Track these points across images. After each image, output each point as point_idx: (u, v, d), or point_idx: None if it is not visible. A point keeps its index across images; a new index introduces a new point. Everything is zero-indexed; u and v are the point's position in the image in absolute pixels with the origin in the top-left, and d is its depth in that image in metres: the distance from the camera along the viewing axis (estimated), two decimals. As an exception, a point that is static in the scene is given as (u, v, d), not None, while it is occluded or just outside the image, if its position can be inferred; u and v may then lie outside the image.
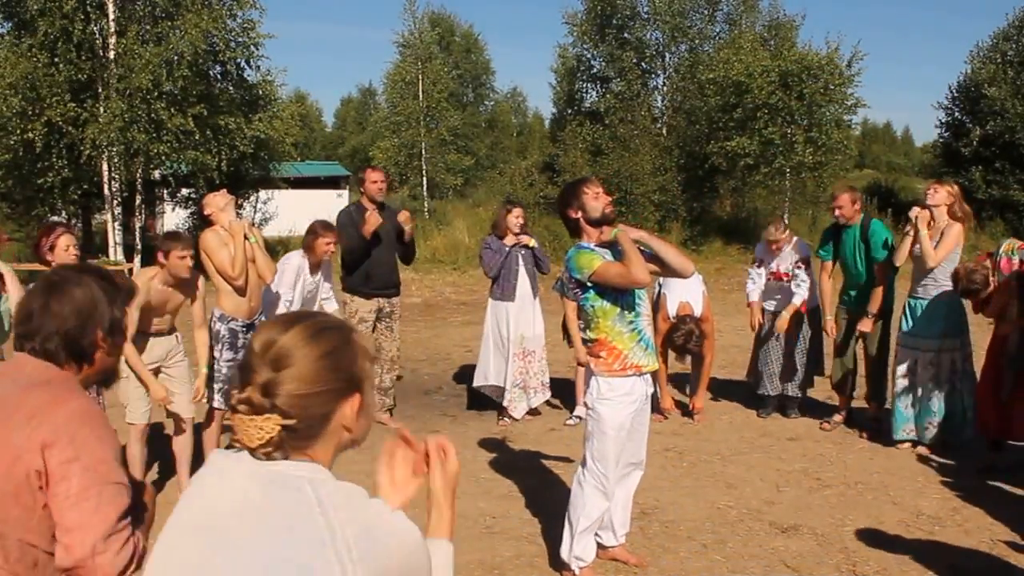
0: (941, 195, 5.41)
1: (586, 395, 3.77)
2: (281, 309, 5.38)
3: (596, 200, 3.65)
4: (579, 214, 3.66)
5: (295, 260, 5.60)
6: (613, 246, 3.64)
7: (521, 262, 6.16)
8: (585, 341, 3.95)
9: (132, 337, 4.16)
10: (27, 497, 1.60)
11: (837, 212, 5.90)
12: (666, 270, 3.70)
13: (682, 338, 5.72)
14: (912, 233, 5.41)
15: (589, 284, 3.56)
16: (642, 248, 3.57)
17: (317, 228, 5.61)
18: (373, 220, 5.82)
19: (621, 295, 3.59)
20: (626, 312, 3.61)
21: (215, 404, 5.03)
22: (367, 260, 5.94)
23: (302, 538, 1.10)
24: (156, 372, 4.67)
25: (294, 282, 5.52)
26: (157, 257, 4.57)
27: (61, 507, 1.58)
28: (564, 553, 3.79)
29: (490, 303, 6.33)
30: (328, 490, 1.14)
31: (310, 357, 1.19)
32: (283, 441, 1.17)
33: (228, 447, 1.26)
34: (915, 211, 5.48)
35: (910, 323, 5.55)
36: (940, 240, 5.33)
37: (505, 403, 6.27)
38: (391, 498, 1.33)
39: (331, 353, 1.21)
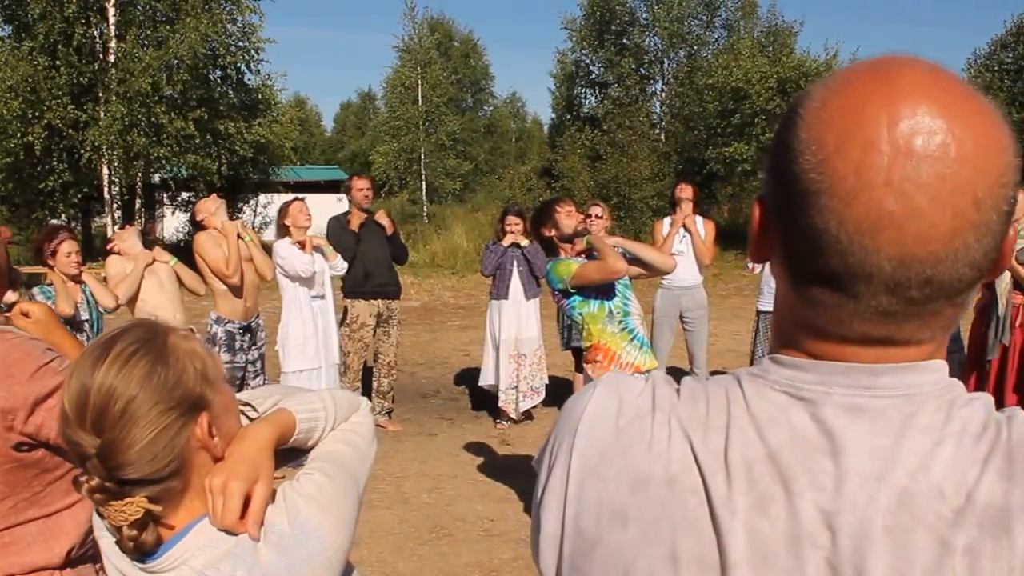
0: None
1: None
2: (316, 282, 5.56)
3: (568, 218, 3.77)
4: (552, 232, 3.78)
5: (283, 244, 5.56)
6: (589, 254, 3.72)
7: (515, 263, 6.24)
8: (582, 350, 3.98)
9: None
10: None
11: None
12: (649, 269, 3.76)
13: None
14: None
15: (572, 290, 3.62)
16: (624, 254, 3.63)
17: (283, 205, 5.76)
18: (357, 214, 6.08)
19: (606, 296, 3.63)
20: (615, 312, 3.64)
21: None
22: (362, 259, 6.03)
23: None
24: None
25: (300, 254, 5.49)
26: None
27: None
28: None
29: (489, 304, 6.48)
30: (227, 572, 1.06)
31: (131, 399, 1.03)
32: (148, 518, 1.06)
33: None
34: None
35: None
36: None
37: (500, 403, 6.35)
38: (249, 518, 1.10)
39: (150, 378, 1.04)
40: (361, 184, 6.16)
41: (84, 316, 4.64)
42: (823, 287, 0.64)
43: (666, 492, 0.66)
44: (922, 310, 0.62)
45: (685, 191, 6.30)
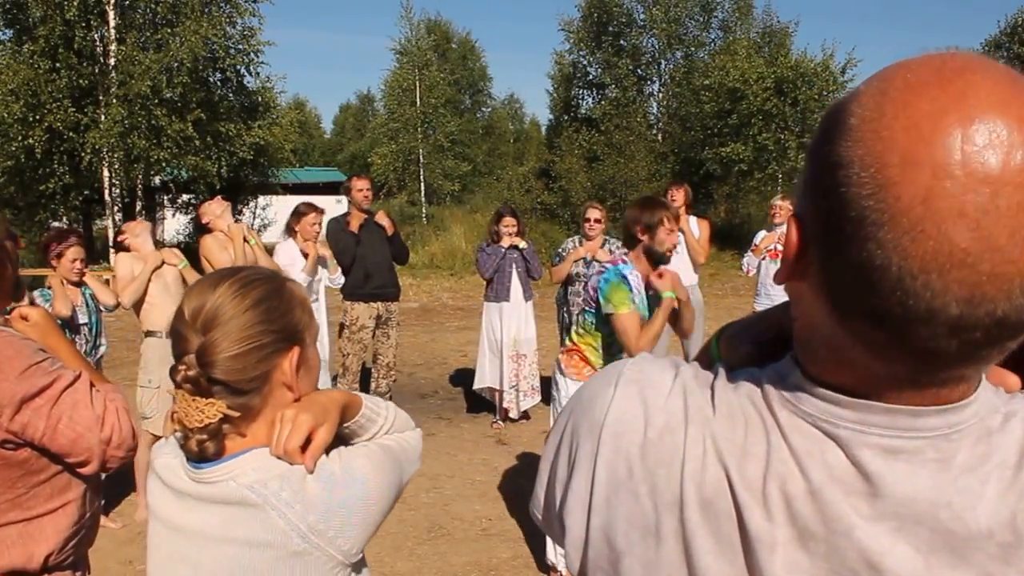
0: None
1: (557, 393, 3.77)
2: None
3: (668, 236, 3.43)
4: (645, 237, 3.43)
5: (288, 247, 5.63)
6: (652, 294, 3.45)
7: (514, 265, 6.30)
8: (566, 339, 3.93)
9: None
10: None
11: None
12: (675, 327, 3.63)
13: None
14: None
15: (605, 315, 3.43)
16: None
17: (301, 208, 5.76)
18: (357, 215, 6.09)
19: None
20: (614, 346, 3.55)
21: None
22: (362, 261, 6.08)
23: (269, 549, 1.13)
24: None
25: (301, 262, 5.56)
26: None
27: (49, 439, 1.58)
28: (549, 554, 3.87)
29: (485, 306, 6.48)
30: (273, 490, 1.14)
31: (240, 312, 1.16)
32: (221, 426, 1.16)
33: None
34: None
35: None
36: None
37: (505, 404, 6.41)
38: (309, 451, 1.18)
39: (261, 303, 1.18)
40: (361, 185, 6.16)
41: (82, 319, 4.58)
42: (873, 325, 0.57)
43: (700, 515, 0.64)
44: (981, 352, 0.56)
45: (676, 193, 6.37)
